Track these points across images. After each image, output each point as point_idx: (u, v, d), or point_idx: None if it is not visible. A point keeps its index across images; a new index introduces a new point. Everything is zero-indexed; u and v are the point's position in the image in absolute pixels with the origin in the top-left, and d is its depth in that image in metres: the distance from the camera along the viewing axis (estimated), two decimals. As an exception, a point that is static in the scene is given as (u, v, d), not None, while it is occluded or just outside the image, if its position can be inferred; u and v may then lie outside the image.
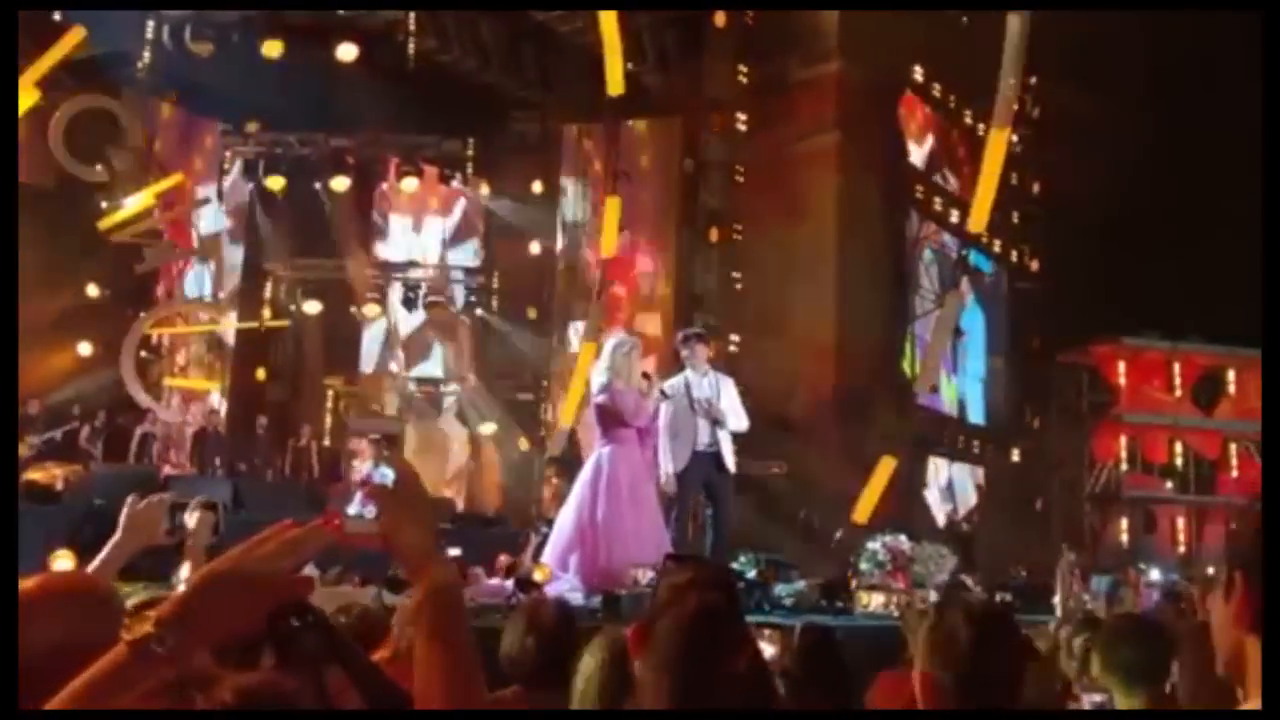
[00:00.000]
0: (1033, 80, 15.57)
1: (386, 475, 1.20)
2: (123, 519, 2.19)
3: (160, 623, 1.01)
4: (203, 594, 1.06)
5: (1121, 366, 18.82)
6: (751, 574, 6.14)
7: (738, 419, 6.72)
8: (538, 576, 5.64)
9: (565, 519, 6.31)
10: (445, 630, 1.18)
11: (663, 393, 6.35)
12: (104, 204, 12.91)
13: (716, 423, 6.53)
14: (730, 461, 6.66)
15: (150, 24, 12.37)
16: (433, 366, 15.51)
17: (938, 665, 1.76)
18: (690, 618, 1.43)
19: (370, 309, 14.87)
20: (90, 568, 2.17)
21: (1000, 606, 2.20)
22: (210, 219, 14.61)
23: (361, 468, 1.23)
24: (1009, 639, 1.87)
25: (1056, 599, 5.66)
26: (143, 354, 13.43)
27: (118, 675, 0.99)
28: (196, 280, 14.63)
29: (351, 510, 1.21)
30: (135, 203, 12.83)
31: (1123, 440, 18.84)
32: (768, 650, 2.69)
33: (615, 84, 11.67)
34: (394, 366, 15.44)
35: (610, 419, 6.21)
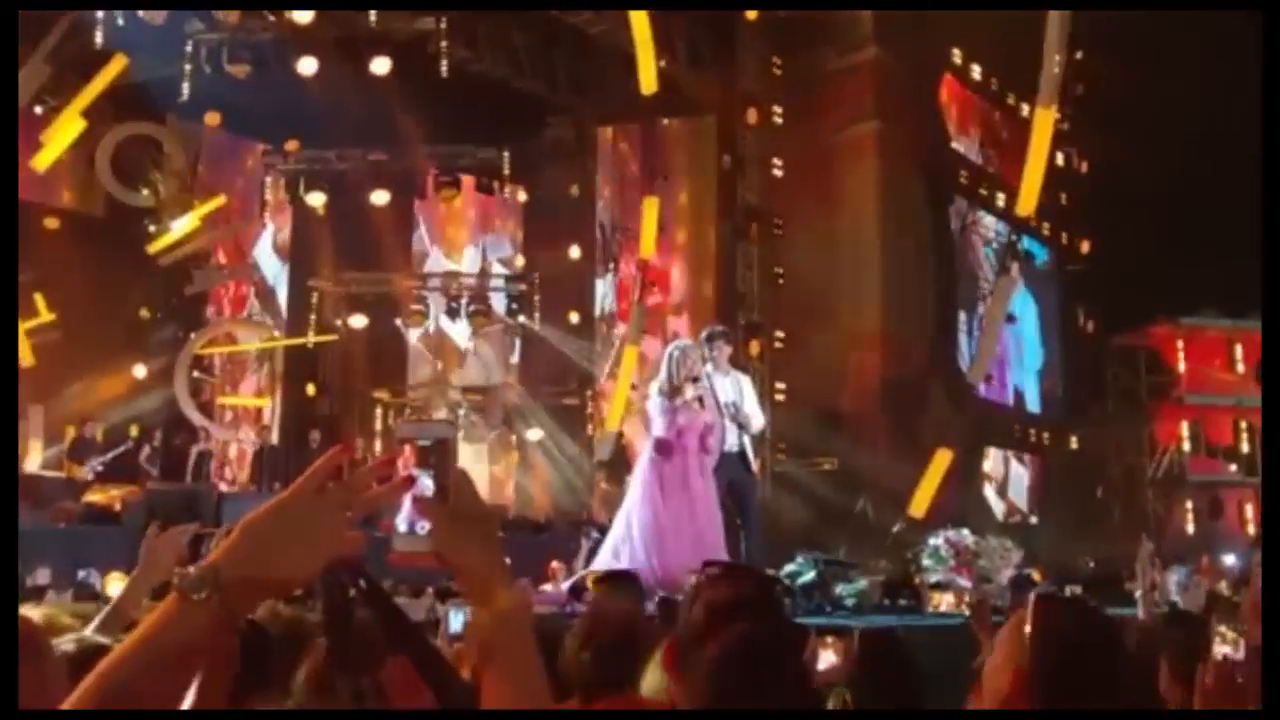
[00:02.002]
0: (1078, 55, 15.18)
1: (428, 485, 1.06)
2: (142, 551, 2.08)
3: (207, 572, 0.97)
4: (250, 542, 0.99)
5: (1180, 347, 18.32)
6: (811, 575, 6.00)
7: (757, 420, 6.79)
8: (590, 584, 5.56)
9: (616, 525, 6.29)
10: (513, 659, 1.06)
11: (700, 400, 6.31)
12: (151, 228, 13.14)
13: (741, 425, 6.55)
14: (754, 463, 6.73)
15: (188, 48, 12.53)
16: (478, 375, 15.54)
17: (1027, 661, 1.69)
18: (734, 655, 1.31)
19: (415, 320, 14.93)
20: (109, 607, 2.09)
21: (1094, 606, 2.12)
22: (254, 238, 14.79)
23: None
24: (1106, 638, 1.78)
25: (1138, 592, 5.42)
26: (195, 374, 13.62)
27: (168, 626, 0.95)
28: (244, 299, 14.81)
29: (401, 526, 1.09)
30: (181, 226, 13.03)
31: (1184, 424, 18.34)
32: (829, 658, 2.57)
33: (648, 83, 11.55)
34: (440, 376, 15.50)
35: (648, 426, 6.26)
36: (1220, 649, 2.42)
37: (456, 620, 3.12)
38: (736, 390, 6.63)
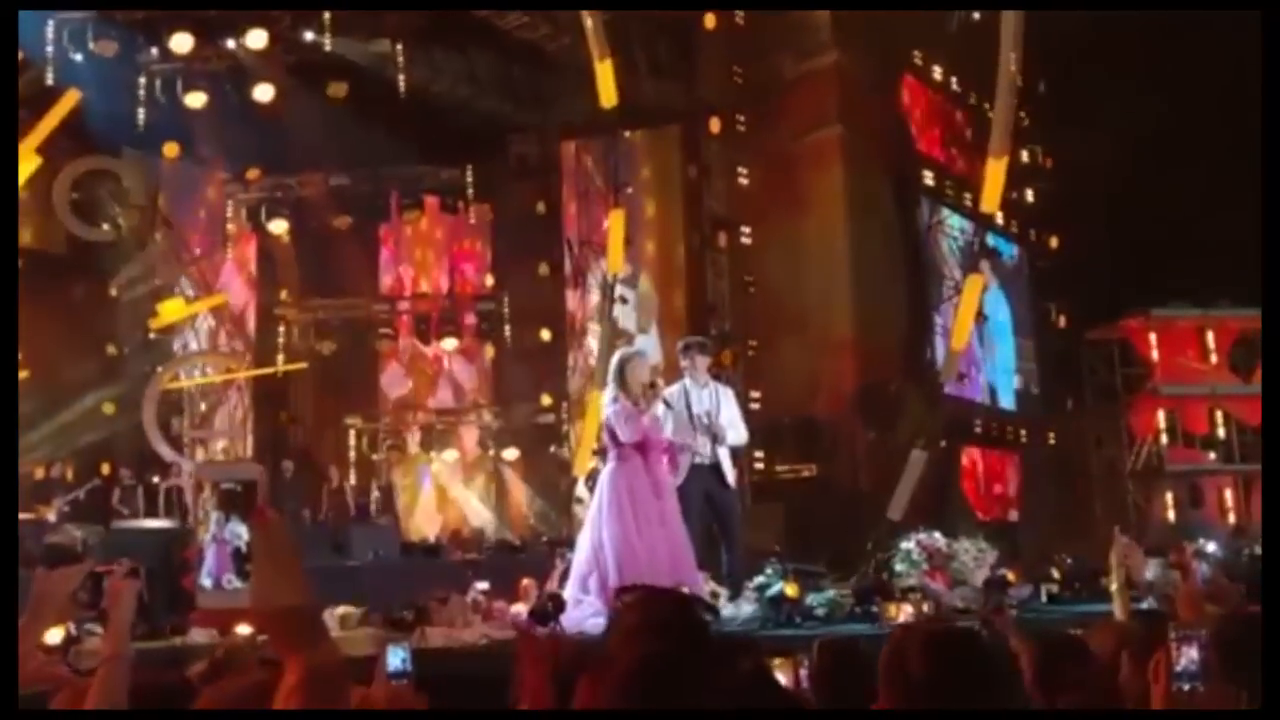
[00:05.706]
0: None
1: (239, 534, 0.98)
2: (32, 592, 1.93)
3: None
4: None
5: (1153, 339, 18.39)
6: (778, 587, 5.90)
7: (737, 433, 6.63)
8: (552, 607, 5.43)
9: (581, 543, 6.14)
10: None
11: (665, 402, 6.17)
12: (115, 265, 13.05)
13: (715, 438, 6.42)
14: (730, 476, 6.56)
15: (142, 80, 12.42)
16: (451, 396, 15.42)
17: (893, 698, 1.73)
18: (633, 675, 1.25)
19: (384, 344, 14.81)
20: None
21: (960, 633, 2.17)
22: (219, 269, 14.65)
23: (210, 527, 0.97)
24: (967, 669, 1.81)
25: (1114, 586, 5.35)
26: (163, 408, 13.43)
27: None
28: (210, 331, 14.64)
29: (205, 582, 0.99)
30: (171, 305, 13.11)
31: (1161, 414, 18.39)
32: (780, 679, 2.48)
33: (608, 97, 11.53)
34: (413, 400, 15.36)
35: (611, 436, 6.06)
36: (1179, 653, 2.35)
37: (395, 657, 3.01)
38: (714, 401, 6.51)
